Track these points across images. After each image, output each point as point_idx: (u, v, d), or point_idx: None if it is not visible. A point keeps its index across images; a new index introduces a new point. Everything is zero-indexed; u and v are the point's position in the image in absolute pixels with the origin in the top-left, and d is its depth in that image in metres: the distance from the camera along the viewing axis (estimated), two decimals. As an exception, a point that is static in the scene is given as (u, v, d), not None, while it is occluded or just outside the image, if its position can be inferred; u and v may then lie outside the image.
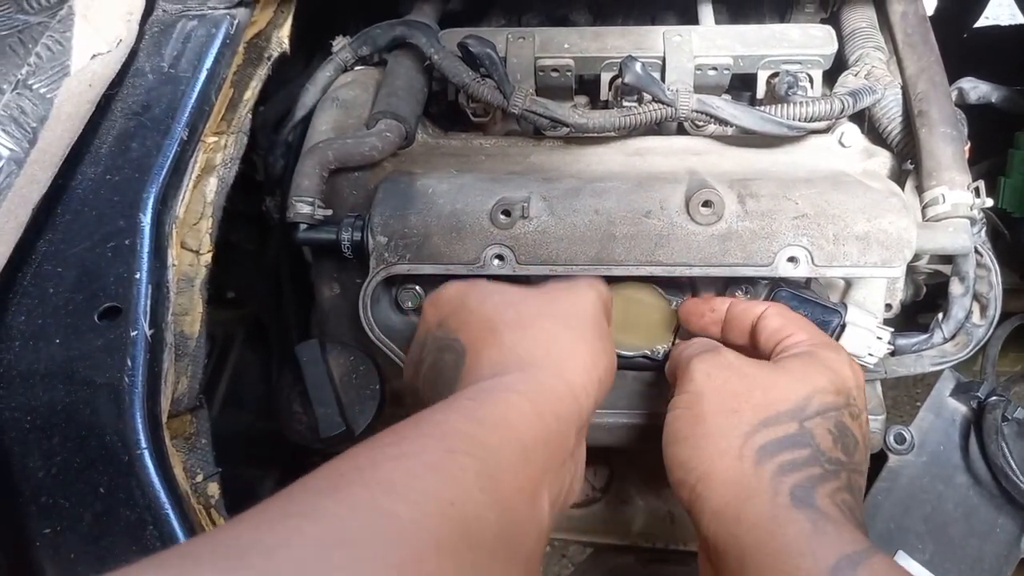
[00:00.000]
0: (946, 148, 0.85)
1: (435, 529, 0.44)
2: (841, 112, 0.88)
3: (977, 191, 0.84)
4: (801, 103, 0.88)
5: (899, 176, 0.92)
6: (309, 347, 0.89)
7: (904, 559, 0.85)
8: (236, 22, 0.84)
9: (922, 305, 1.04)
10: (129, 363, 0.66)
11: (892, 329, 0.83)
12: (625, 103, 0.92)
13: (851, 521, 0.60)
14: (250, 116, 0.86)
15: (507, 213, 0.79)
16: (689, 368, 0.69)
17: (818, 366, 0.68)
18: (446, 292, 0.75)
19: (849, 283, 0.86)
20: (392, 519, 0.43)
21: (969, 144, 0.91)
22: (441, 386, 0.69)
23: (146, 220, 0.71)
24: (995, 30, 1.59)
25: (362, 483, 0.45)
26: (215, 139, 0.82)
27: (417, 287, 0.89)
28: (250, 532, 0.41)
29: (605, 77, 0.96)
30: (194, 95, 0.79)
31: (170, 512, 0.62)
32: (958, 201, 0.82)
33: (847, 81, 0.95)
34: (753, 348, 0.75)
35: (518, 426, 0.56)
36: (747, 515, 0.60)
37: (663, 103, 0.88)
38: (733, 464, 0.63)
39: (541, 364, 0.63)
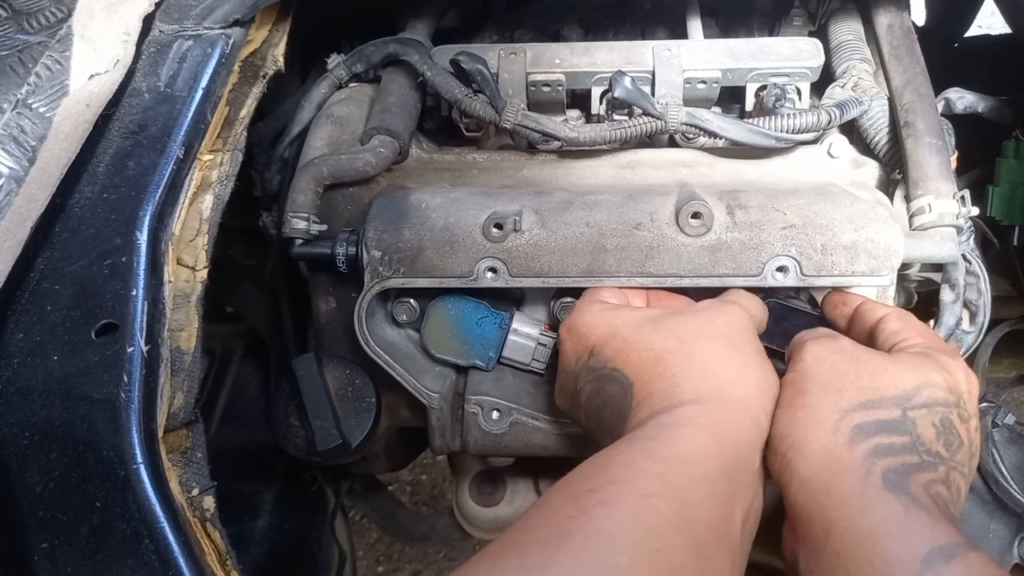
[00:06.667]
0: (932, 158, 0.86)
1: None
2: (828, 124, 0.89)
3: (963, 199, 0.85)
4: (789, 115, 0.89)
5: (887, 186, 0.93)
6: (305, 361, 0.90)
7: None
8: (231, 41, 0.85)
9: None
10: (125, 379, 0.66)
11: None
12: (616, 117, 0.93)
13: (945, 515, 0.59)
14: (246, 133, 0.87)
15: (499, 226, 0.80)
16: (802, 349, 0.71)
17: (933, 363, 0.68)
18: (585, 320, 0.76)
19: (839, 292, 0.87)
20: (615, 571, 0.49)
21: (956, 153, 0.92)
22: (608, 416, 0.72)
23: (142, 238, 0.72)
24: (985, 40, 1.60)
25: (582, 534, 0.50)
26: (211, 157, 0.83)
27: (412, 300, 0.89)
28: None
29: (596, 91, 0.98)
30: (190, 114, 0.79)
31: (165, 526, 0.63)
32: (944, 210, 0.84)
33: (834, 93, 0.96)
34: (870, 347, 0.76)
35: (703, 461, 0.58)
36: (836, 489, 0.60)
37: (653, 116, 0.89)
38: (826, 436, 0.63)
39: (716, 393, 0.65)
